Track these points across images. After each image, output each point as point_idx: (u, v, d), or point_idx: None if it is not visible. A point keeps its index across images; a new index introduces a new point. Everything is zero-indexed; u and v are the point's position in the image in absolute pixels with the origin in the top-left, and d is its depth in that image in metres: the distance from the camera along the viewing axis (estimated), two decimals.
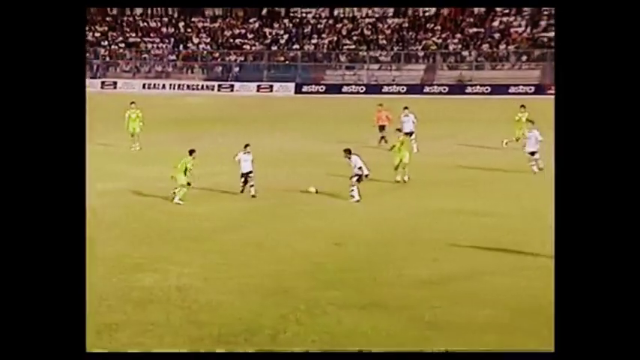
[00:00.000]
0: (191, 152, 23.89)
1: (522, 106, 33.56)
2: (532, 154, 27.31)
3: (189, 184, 23.42)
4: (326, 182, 26.02)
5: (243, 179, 23.99)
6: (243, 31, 77.65)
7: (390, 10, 78.24)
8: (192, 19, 79.20)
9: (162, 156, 29.79)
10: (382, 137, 33.33)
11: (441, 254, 17.38)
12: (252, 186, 23.79)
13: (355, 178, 23.24)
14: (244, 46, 76.03)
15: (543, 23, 72.63)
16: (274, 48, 75.37)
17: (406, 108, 33.56)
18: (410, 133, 31.55)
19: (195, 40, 76.91)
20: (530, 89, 65.75)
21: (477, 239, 18.60)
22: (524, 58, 70.40)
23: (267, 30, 77.65)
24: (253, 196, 23.64)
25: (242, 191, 23.90)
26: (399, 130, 28.93)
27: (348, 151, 23.81)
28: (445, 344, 12.07)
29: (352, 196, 23.12)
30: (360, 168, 23.27)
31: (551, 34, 71.13)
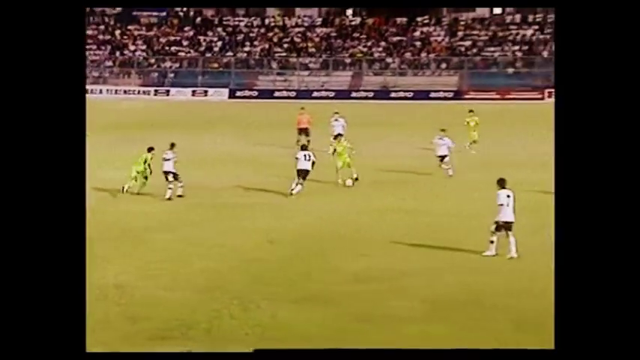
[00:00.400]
0: (150, 149, 23.98)
1: (471, 110, 33.55)
2: (442, 158, 27.21)
3: (146, 177, 23.53)
4: (258, 183, 25.80)
5: (164, 177, 23.10)
6: (178, 38, 76.87)
7: (319, 20, 78.52)
8: (129, 27, 77.99)
9: (99, 159, 29.09)
10: (304, 140, 33.10)
11: (371, 250, 17.34)
12: (181, 186, 23.08)
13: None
14: (179, 53, 75.29)
15: (460, 33, 73.85)
16: (208, 55, 74.85)
17: (337, 112, 33.46)
18: (339, 135, 31.48)
19: (132, 47, 75.72)
20: (450, 94, 66.76)
21: (405, 236, 18.63)
22: (443, 65, 71.41)
23: (201, 37, 77.06)
24: (180, 195, 23.01)
25: (169, 196, 22.79)
26: (340, 135, 29.02)
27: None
28: (373, 336, 12.00)
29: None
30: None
31: (468, 42, 72.38)
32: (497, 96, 65.46)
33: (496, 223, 16.51)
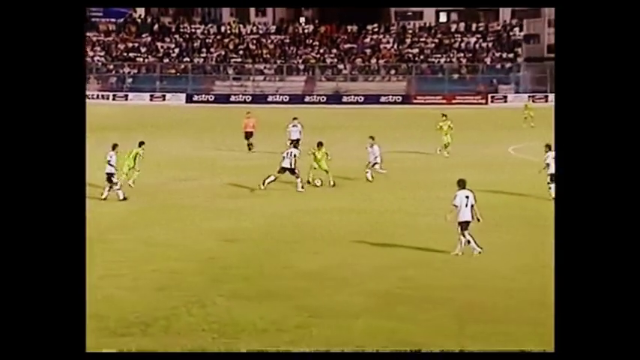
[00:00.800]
0: (141, 144, 24.74)
1: (444, 114, 33.45)
2: (374, 164, 27.07)
3: (137, 170, 24.11)
4: (214, 185, 25.76)
5: (107, 179, 22.63)
6: (136, 44, 76.14)
7: (273, 27, 78.53)
8: (87, 34, 76.95)
9: None
10: (249, 144, 33.13)
11: (323, 248, 17.46)
12: (118, 189, 22.69)
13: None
14: (137, 59, 74.58)
15: (408, 41, 74.52)
16: (166, 61, 74.29)
17: (295, 118, 33.51)
18: (296, 141, 31.67)
19: (90, 53, 74.74)
20: (398, 99, 67.39)
21: (354, 234, 18.79)
22: (392, 71, 71.98)
23: (159, 44, 76.46)
24: (124, 198, 22.68)
25: (105, 196, 22.47)
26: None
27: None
28: (325, 330, 12.12)
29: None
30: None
31: (416, 49, 73.04)
32: (444, 101, 66.22)
33: (459, 224, 16.43)
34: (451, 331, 12.10)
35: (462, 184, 16.70)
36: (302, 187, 24.34)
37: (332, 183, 25.42)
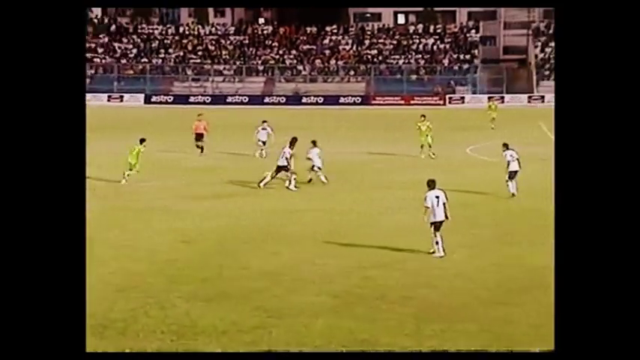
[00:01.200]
0: (142, 141, 25.64)
1: (422, 115, 33.23)
2: (319, 168, 27.10)
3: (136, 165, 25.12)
4: (172, 186, 25.51)
5: None
6: (93, 45, 75.17)
7: (232, 28, 78.22)
8: None
9: None
10: (200, 146, 32.88)
11: (281, 248, 17.39)
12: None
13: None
14: (94, 59, 73.63)
15: (367, 42, 74.85)
16: (124, 61, 73.49)
17: (265, 122, 33.37)
18: (263, 142, 32.05)
19: None
20: (358, 100, 67.62)
21: (314, 234, 18.77)
22: (351, 72, 72.22)
23: (116, 45, 75.62)
24: None
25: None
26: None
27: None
28: (284, 330, 12.06)
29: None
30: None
31: (374, 51, 73.39)
32: (402, 102, 66.66)
33: (431, 224, 16.44)
34: (409, 330, 12.12)
35: (431, 184, 16.77)
36: (295, 186, 24.77)
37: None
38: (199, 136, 33.29)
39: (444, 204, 16.52)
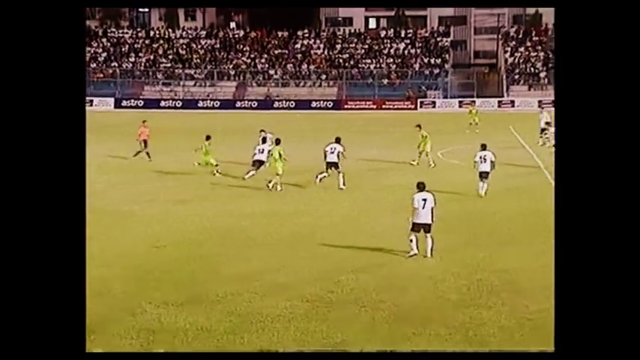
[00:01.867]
0: (207, 138, 27.28)
1: (418, 125, 33.14)
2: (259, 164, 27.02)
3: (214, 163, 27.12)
4: (143, 190, 25.35)
5: None
6: None
7: (203, 32, 77.96)
8: None
9: None
10: (145, 152, 32.49)
11: (253, 253, 17.37)
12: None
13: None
14: None
15: (339, 46, 75.02)
16: (93, 65, 72.93)
17: (262, 131, 33.09)
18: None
19: None
20: (329, 104, 67.72)
21: (286, 238, 18.77)
22: (323, 76, 72.31)
23: (85, 48, 74.95)
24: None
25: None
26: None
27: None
28: (256, 335, 12.04)
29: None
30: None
31: (346, 55, 73.60)
32: (374, 106, 66.88)
33: (413, 224, 16.63)
34: (382, 333, 12.17)
35: (420, 186, 16.97)
36: (343, 184, 25.34)
37: (273, 184, 25.39)
38: (144, 142, 32.89)
39: (431, 208, 16.69)
